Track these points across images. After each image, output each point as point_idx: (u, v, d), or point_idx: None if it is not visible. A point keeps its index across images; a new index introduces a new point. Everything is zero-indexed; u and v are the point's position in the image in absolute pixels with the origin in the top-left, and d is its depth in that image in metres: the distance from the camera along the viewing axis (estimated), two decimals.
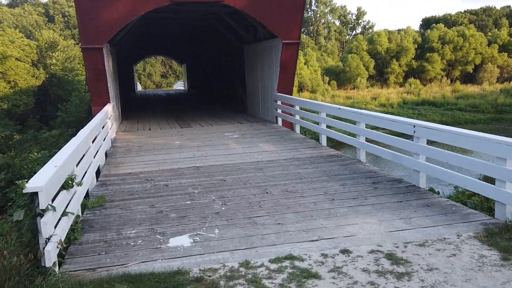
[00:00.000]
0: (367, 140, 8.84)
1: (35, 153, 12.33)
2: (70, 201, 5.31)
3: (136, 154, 10.58)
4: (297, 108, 12.73)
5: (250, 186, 7.43)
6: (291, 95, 14.62)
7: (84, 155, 7.12)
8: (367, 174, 7.91)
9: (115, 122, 13.81)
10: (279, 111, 14.51)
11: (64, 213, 4.85)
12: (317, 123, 11.34)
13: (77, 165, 6.14)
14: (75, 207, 5.50)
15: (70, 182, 5.03)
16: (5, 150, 15.61)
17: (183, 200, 6.77)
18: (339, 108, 9.64)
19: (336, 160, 9.12)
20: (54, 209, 4.27)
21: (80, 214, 6.05)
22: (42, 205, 4.07)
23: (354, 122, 9.08)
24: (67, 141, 7.65)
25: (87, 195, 7.29)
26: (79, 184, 5.47)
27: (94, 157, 8.16)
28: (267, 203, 6.45)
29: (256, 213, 6.05)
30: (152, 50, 40.39)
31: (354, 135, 9.23)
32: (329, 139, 11.06)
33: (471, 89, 54.07)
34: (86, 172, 7.00)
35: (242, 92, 20.32)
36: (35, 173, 4.75)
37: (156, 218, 6.01)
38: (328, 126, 10.89)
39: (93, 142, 8.16)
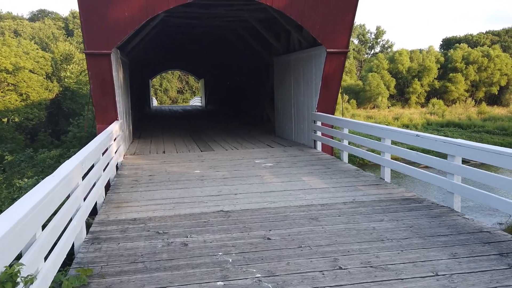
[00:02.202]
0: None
1: (25, 180, 10.08)
2: None
3: (145, 188, 8.23)
4: (346, 131, 10.30)
5: (309, 251, 4.98)
6: (333, 114, 12.22)
7: (67, 199, 4.81)
8: (479, 235, 5.37)
9: (123, 143, 11.55)
10: (319, 133, 12.10)
11: None
12: (371, 151, 8.89)
13: (43, 227, 3.79)
14: None
15: (11, 279, 2.64)
16: None
17: (211, 278, 4.35)
18: (417, 135, 7.17)
19: (417, 207, 6.61)
20: None
21: None
22: None
23: (442, 155, 6.60)
24: None
25: (71, 254, 4.99)
26: (29, 281, 3.03)
27: (85, 198, 5.83)
28: None
29: None
30: (169, 63, 38.60)
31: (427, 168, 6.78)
32: (370, 165, 8.52)
33: (497, 111, 51.66)
34: (66, 227, 4.67)
35: (270, 110, 18.02)
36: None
37: None
38: (394, 157, 8.41)
39: (84, 177, 5.83)
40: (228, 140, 14.78)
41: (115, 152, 9.73)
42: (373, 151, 9.81)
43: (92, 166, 6.81)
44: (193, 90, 72.16)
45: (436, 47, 74.03)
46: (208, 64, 33.89)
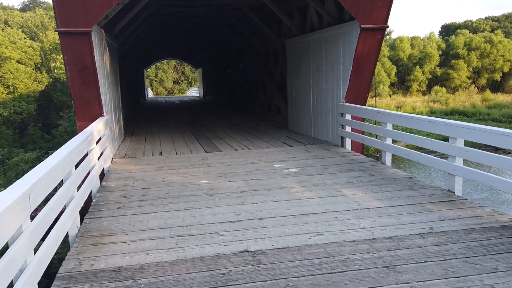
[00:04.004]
0: None
1: None
2: None
3: (136, 209, 6.12)
4: (389, 127, 8.20)
5: None
6: (365, 105, 10.12)
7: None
8: None
9: (110, 144, 9.42)
10: (348, 129, 10.00)
11: None
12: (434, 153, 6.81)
13: None
14: None
15: None
16: None
17: None
18: None
19: None
20: None
21: None
22: None
23: None
24: None
25: None
26: None
27: (44, 239, 3.74)
28: None
29: None
30: (165, 51, 36.25)
31: None
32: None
33: (501, 98, 49.95)
34: None
35: (279, 100, 15.88)
36: None
37: None
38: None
39: (36, 214, 3.72)
40: (236, 137, 12.65)
41: (99, 158, 7.62)
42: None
43: (59, 186, 4.73)
44: (190, 80, 69.86)
45: (436, 34, 71.98)
46: (207, 51, 31.61)
